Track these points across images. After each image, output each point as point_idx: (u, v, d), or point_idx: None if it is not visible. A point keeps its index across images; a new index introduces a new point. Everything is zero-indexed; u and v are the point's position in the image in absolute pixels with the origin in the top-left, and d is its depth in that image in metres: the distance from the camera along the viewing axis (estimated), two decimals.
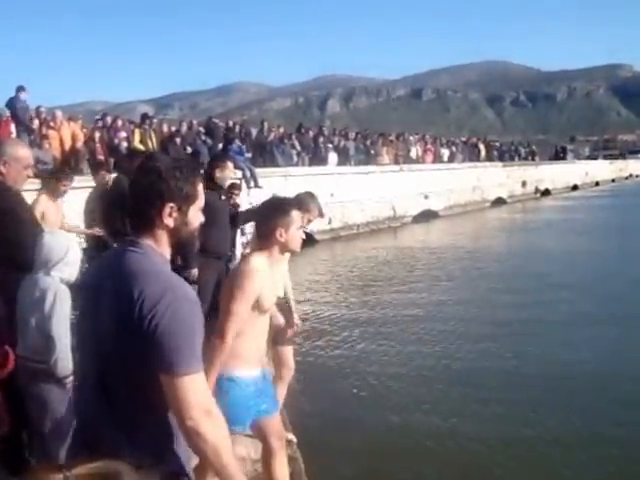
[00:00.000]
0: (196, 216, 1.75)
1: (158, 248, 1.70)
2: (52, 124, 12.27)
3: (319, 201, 4.10)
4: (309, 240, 17.01)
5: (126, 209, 1.76)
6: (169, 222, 1.68)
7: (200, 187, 1.76)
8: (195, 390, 1.56)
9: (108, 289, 1.64)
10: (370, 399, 6.00)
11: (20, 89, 12.08)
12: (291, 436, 4.18)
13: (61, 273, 3.02)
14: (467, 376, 6.55)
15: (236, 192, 8.11)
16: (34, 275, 3.05)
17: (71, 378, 2.97)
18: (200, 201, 1.76)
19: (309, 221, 3.83)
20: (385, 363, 7.05)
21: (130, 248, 1.68)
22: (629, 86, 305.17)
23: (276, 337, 3.75)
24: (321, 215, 4.08)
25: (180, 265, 5.62)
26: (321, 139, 20.27)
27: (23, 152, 3.45)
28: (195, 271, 5.39)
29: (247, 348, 2.76)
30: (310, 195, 4.07)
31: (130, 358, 1.59)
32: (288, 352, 4.16)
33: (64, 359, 2.94)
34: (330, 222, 18.76)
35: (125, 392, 1.62)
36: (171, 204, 1.67)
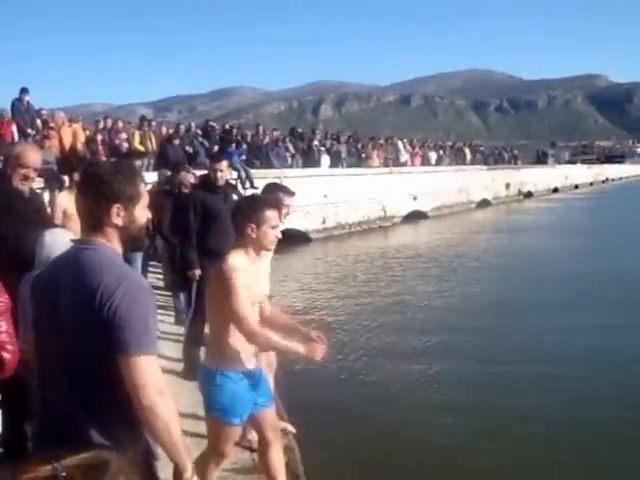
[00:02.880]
0: (142, 213, 1.78)
1: (110, 244, 1.74)
2: (53, 125, 12.02)
3: (287, 194, 3.83)
4: (304, 239, 16.93)
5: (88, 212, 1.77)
6: (118, 221, 1.73)
7: (142, 186, 1.79)
8: (149, 370, 1.61)
9: (67, 283, 1.68)
10: (367, 391, 5.94)
11: (24, 91, 11.85)
12: (290, 427, 4.16)
13: None
14: (470, 373, 6.44)
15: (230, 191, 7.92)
16: (34, 273, 2.90)
17: None
18: (144, 199, 1.79)
19: (287, 214, 3.70)
20: (381, 357, 6.97)
21: (84, 246, 1.74)
22: (605, 95, 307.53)
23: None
24: (292, 194, 3.86)
25: (183, 266, 5.42)
26: (315, 142, 20.13)
27: (19, 151, 3.39)
28: (197, 271, 5.14)
29: (238, 344, 2.73)
30: (278, 188, 3.89)
31: (92, 345, 1.63)
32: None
33: None
34: (324, 222, 18.64)
35: (90, 378, 1.64)
36: (117, 205, 1.71)
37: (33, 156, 3.40)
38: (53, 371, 1.72)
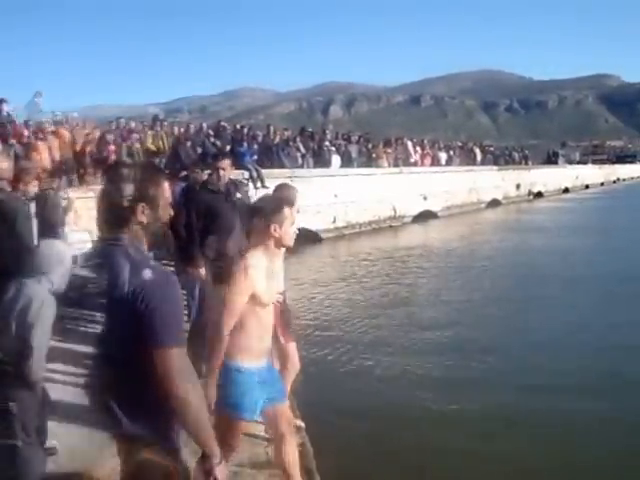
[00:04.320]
0: (165, 212, 1.86)
1: (136, 241, 1.80)
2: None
3: (296, 192, 4.04)
4: (315, 238, 16.91)
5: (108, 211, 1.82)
6: (143, 219, 1.80)
7: (165, 186, 1.86)
8: (180, 362, 1.68)
9: (98, 279, 1.74)
10: (378, 388, 5.96)
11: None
12: (299, 422, 4.19)
13: (50, 283, 2.79)
14: (479, 372, 6.43)
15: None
16: (23, 280, 2.84)
17: (42, 384, 2.90)
18: (166, 199, 1.86)
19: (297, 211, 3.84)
20: (391, 355, 6.96)
21: (112, 242, 1.79)
22: (616, 95, 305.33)
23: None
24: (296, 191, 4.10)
25: (187, 264, 5.44)
26: (325, 142, 20.12)
27: None
28: (202, 270, 5.13)
29: (251, 340, 2.83)
30: (288, 187, 4.09)
31: (121, 340, 1.68)
32: (292, 348, 4.05)
33: (38, 365, 2.76)
34: (334, 221, 18.63)
35: (119, 371, 1.70)
36: (142, 203, 1.79)
37: (1, 166, 3.39)
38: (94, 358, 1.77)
